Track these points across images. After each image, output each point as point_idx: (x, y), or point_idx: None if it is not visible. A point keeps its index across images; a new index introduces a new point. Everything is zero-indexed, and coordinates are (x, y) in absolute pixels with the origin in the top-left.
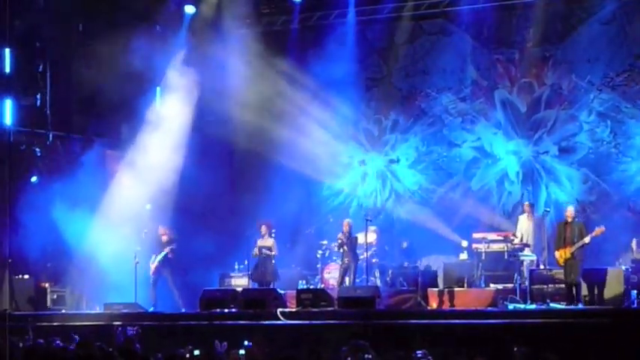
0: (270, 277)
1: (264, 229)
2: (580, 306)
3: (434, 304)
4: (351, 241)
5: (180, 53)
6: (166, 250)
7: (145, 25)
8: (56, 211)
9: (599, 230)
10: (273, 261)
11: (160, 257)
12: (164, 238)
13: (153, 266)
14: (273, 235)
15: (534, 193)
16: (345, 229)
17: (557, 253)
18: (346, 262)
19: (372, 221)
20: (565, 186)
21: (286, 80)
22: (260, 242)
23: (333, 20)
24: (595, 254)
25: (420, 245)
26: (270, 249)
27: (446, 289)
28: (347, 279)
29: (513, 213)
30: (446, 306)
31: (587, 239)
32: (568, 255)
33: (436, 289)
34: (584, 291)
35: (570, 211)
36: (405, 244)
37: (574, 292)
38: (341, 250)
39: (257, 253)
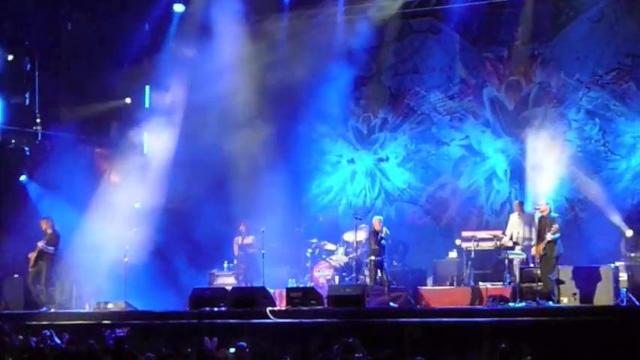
0: (253, 274)
1: (242, 227)
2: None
3: (423, 303)
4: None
5: (169, 51)
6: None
7: (133, 24)
8: (45, 210)
9: (554, 229)
10: (256, 257)
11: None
12: (48, 231)
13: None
14: (262, 231)
15: (522, 191)
16: (378, 227)
17: (532, 250)
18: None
19: (362, 220)
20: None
21: (275, 79)
22: (240, 240)
23: (322, 19)
24: (584, 252)
25: (409, 243)
26: (251, 246)
27: (435, 288)
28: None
29: (501, 211)
30: (435, 304)
31: (548, 236)
32: (540, 251)
33: (425, 288)
34: (573, 289)
35: (541, 206)
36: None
37: (549, 290)
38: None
39: (237, 252)
